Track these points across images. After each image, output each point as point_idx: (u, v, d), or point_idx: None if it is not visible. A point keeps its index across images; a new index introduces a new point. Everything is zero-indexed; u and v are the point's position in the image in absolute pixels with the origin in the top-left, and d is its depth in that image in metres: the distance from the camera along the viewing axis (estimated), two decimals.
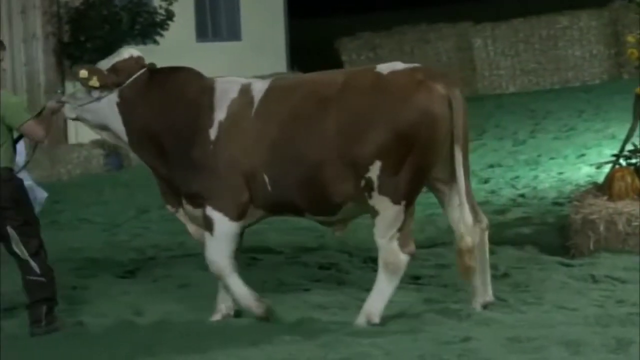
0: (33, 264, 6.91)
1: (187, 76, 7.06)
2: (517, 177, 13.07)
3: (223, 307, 7.07)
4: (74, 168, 16.33)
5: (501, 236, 9.31)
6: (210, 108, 6.81)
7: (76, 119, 7.16)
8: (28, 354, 6.51)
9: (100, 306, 7.58)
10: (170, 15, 18.04)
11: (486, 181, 13.10)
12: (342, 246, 9.11)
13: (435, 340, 6.12)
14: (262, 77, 7.07)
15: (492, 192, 12.32)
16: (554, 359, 5.72)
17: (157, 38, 18.10)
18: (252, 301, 6.88)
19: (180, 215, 7.06)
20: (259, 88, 6.83)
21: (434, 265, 8.41)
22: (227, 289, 6.93)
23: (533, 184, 12.33)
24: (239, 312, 7.19)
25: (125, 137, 7.01)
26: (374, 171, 6.47)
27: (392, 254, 6.57)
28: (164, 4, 17.88)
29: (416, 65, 6.81)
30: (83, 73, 6.90)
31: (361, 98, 6.53)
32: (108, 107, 6.94)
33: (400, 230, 6.56)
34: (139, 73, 6.95)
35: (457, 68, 22.82)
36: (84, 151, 16.34)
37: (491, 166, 14.17)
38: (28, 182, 11.91)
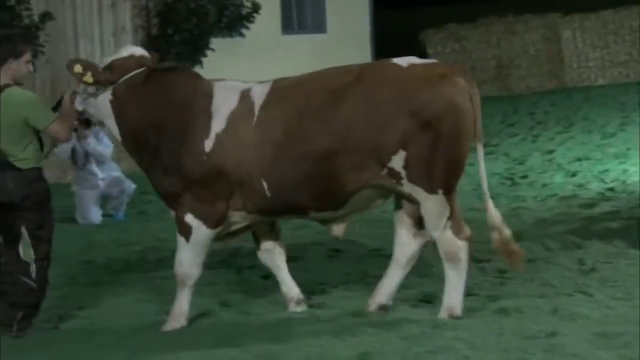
0: (32, 267, 6.83)
1: (183, 78, 6.91)
2: (605, 170, 12.88)
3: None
4: None
5: (589, 230, 9.19)
6: (207, 116, 6.67)
7: (83, 111, 7.00)
8: (118, 340, 6.61)
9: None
10: (256, 8, 18.17)
11: (574, 174, 12.94)
12: None
13: (521, 335, 6.05)
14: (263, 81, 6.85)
15: (580, 185, 12.16)
16: None
17: (244, 31, 18.25)
18: (181, 319, 6.83)
19: None
20: (259, 93, 6.68)
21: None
22: (177, 294, 6.88)
23: (622, 178, 12.13)
24: (324, 304, 7.21)
25: (118, 136, 6.91)
26: (398, 160, 6.42)
27: (449, 243, 6.53)
28: None
29: (434, 60, 6.76)
30: (77, 68, 6.75)
31: (381, 88, 6.46)
32: (102, 104, 6.83)
33: (450, 218, 6.52)
34: (134, 72, 6.78)
35: (544, 60, 22.57)
36: None
37: (579, 159, 13.99)
38: (117, 173, 12.21)
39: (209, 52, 17.70)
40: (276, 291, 7.76)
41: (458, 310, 6.59)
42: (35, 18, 15.84)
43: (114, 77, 6.80)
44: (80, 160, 12.03)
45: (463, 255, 6.55)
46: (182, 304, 6.86)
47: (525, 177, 13.29)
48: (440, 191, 6.47)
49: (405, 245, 6.79)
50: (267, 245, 7.17)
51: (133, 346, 6.39)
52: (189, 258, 6.78)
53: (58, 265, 9.16)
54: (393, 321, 6.57)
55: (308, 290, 7.70)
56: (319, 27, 21.20)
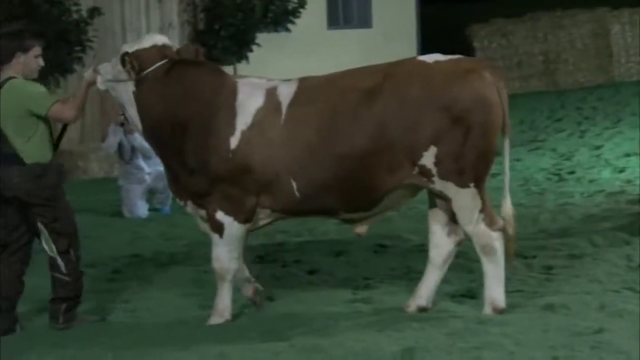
0: (60, 261, 6.82)
1: (207, 73, 6.83)
2: None
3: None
4: None
5: (637, 226, 9.09)
6: (232, 113, 6.62)
7: (106, 90, 6.90)
8: (163, 334, 6.66)
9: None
10: (302, 3, 18.19)
11: (622, 170, 12.80)
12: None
13: (567, 331, 6.01)
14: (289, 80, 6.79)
15: (628, 181, 12.03)
16: None
17: (289, 26, 18.28)
18: (226, 314, 6.85)
19: (189, 208, 6.92)
20: (286, 91, 6.64)
21: (567, 256, 8.27)
22: (218, 290, 6.88)
23: None
24: (368, 299, 7.21)
25: (139, 125, 6.83)
26: (429, 157, 6.41)
27: (483, 236, 6.52)
28: None
29: (459, 56, 6.73)
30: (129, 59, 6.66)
31: (410, 86, 6.44)
32: (125, 93, 6.77)
33: (481, 211, 6.51)
34: (156, 65, 6.70)
35: (592, 54, 22.38)
36: None
37: (627, 155, 13.84)
38: (153, 168, 12.25)
39: (254, 47, 17.75)
40: (321, 286, 7.78)
41: (501, 302, 6.56)
42: (84, 13, 15.98)
43: (141, 70, 6.72)
44: (126, 154, 12.11)
45: (498, 246, 6.54)
46: (224, 299, 6.89)
47: (572, 172, 13.18)
48: (471, 184, 6.46)
49: (440, 245, 6.78)
50: None
51: (178, 339, 6.43)
52: (225, 253, 6.79)
53: (105, 259, 9.27)
54: (437, 317, 6.55)
55: (353, 285, 7.70)
56: (365, 22, 21.17)
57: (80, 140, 16.40)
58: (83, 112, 6.97)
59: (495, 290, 6.57)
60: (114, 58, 6.93)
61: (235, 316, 6.93)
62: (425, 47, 20.85)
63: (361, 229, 6.88)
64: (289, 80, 6.80)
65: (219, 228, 6.72)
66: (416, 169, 6.47)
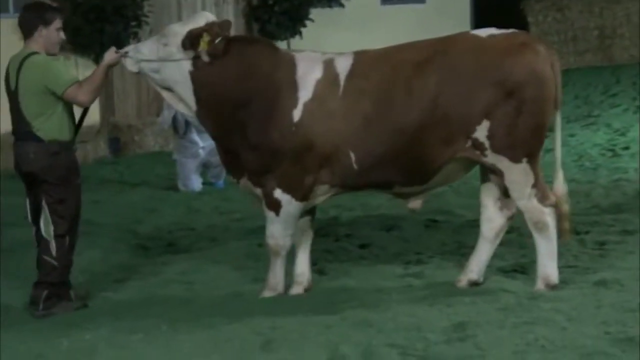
0: (52, 245, 6.73)
1: (265, 49, 6.81)
2: None
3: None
4: None
5: None
6: (293, 87, 6.61)
7: (138, 72, 6.79)
8: (218, 305, 6.75)
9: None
10: None
11: None
12: None
13: (620, 307, 5.99)
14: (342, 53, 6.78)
15: None
16: None
17: (343, 1, 18.24)
18: (279, 287, 6.90)
19: (242, 186, 6.90)
20: (343, 64, 6.64)
21: (620, 232, 8.22)
22: (271, 264, 6.92)
23: None
24: (420, 274, 7.24)
25: (193, 105, 6.73)
26: (482, 131, 6.43)
27: (535, 212, 6.54)
28: None
29: (513, 30, 6.70)
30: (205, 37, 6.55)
31: (465, 59, 6.45)
32: (178, 73, 6.66)
33: (534, 186, 6.51)
34: (215, 43, 6.58)
35: None
36: None
37: None
38: (207, 142, 12.33)
39: (308, 23, 17.75)
40: (373, 260, 7.82)
41: (554, 278, 6.56)
42: None
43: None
44: (181, 128, 12.21)
45: (550, 221, 6.55)
46: (277, 274, 6.94)
47: (626, 148, 13.05)
48: (524, 159, 6.48)
49: (492, 219, 6.80)
50: (302, 225, 7.05)
51: (232, 311, 6.51)
52: (280, 230, 6.82)
53: (159, 232, 9.40)
54: (489, 291, 6.56)
55: (404, 260, 7.74)
56: None
57: (136, 114, 16.56)
58: (99, 94, 6.87)
59: (548, 266, 6.57)
60: (149, 39, 6.89)
61: (287, 289, 7.00)
62: (479, 22, 20.66)
63: (415, 203, 6.92)
64: (343, 53, 6.82)
65: (276, 206, 6.75)
66: (469, 142, 6.48)
